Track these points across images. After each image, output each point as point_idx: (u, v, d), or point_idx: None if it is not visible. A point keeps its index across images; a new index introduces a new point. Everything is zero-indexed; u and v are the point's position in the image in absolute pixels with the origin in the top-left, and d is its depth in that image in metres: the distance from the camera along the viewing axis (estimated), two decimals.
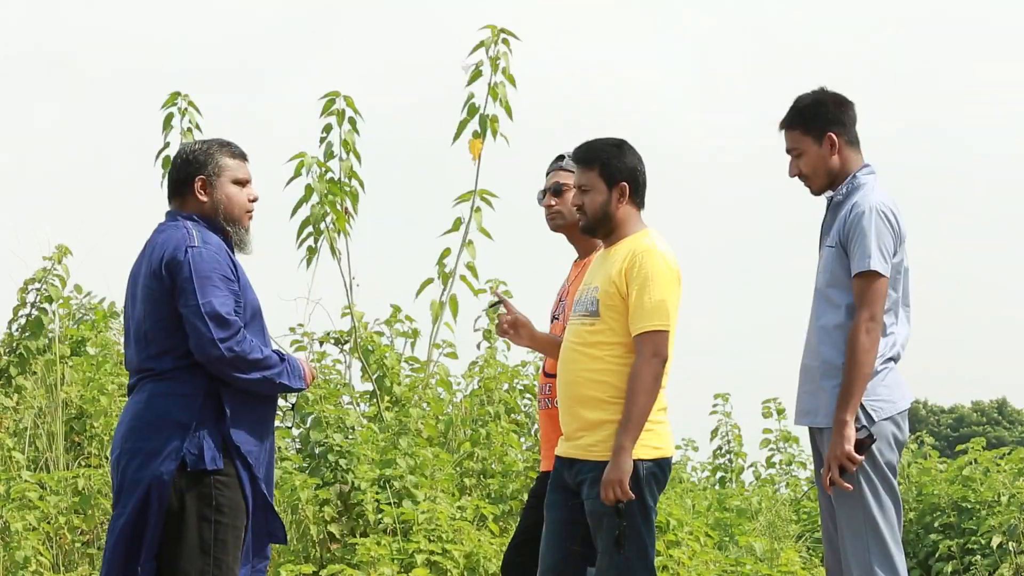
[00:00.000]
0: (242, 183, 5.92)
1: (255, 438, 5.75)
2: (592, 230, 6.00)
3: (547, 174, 6.61)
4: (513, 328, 6.24)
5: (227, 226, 5.87)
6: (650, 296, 5.75)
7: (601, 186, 5.93)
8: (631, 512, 5.72)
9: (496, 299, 6.33)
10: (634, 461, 5.70)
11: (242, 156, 5.95)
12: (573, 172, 6.36)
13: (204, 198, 5.86)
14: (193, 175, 5.86)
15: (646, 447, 5.75)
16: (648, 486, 5.77)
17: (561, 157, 6.58)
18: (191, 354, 5.67)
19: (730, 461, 15.18)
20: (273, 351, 5.79)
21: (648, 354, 5.72)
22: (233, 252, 5.88)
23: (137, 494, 5.65)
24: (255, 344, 5.70)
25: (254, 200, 5.96)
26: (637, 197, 5.97)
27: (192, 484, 5.64)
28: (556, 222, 6.54)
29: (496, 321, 6.34)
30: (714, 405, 15.33)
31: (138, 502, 5.65)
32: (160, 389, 5.70)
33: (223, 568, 5.65)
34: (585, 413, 5.82)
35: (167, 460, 5.62)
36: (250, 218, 5.95)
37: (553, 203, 6.51)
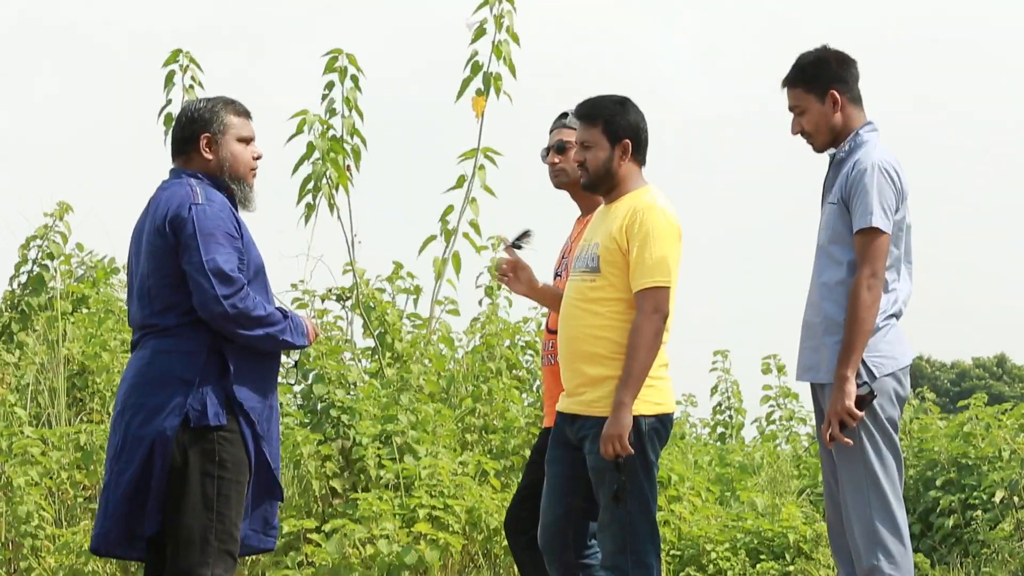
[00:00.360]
0: (247, 141, 5.91)
1: (258, 395, 5.76)
2: (594, 187, 6.00)
3: (551, 131, 6.62)
4: (512, 273, 6.24)
5: (231, 184, 5.87)
6: (651, 252, 5.76)
7: (604, 143, 5.93)
8: (632, 467, 5.74)
9: (518, 237, 6.30)
10: (636, 417, 5.73)
11: (246, 114, 5.95)
12: (576, 129, 6.38)
13: (209, 156, 5.86)
14: (198, 133, 5.86)
15: (648, 403, 5.77)
16: (650, 441, 5.80)
17: (564, 115, 6.58)
18: (194, 311, 5.67)
19: (730, 417, 15.20)
20: (276, 308, 5.79)
21: (649, 310, 5.73)
22: (237, 210, 5.89)
23: (141, 450, 5.66)
24: (258, 301, 5.70)
25: (258, 158, 5.96)
26: (639, 155, 5.98)
27: (195, 440, 5.65)
28: (560, 179, 6.55)
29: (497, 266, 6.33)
30: (713, 362, 15.34)
31: (141, 458, 5.66)
32: (163, 346, 5.71)
33: (226, 523, 5.66)
34: (586, 369, 5.84)
35: (170, 416, 5.63)
36: (254, 176, 5.95)
37: (557, 160, 6.52)
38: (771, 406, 14.69)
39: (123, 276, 13.96)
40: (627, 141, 5.93)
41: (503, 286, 13.10)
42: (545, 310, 6.67)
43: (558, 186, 6.58)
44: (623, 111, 5.96)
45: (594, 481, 5.84)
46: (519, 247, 6.32)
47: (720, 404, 15.33)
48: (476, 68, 12.42)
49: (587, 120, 5.97)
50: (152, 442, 5.64)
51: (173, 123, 6.01)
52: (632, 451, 5.70)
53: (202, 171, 5.85)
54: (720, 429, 15.18)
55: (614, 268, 5.83)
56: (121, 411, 5.75)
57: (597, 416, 5.79)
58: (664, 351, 5.85)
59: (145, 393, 5.69)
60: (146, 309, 5.78)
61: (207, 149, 5.86)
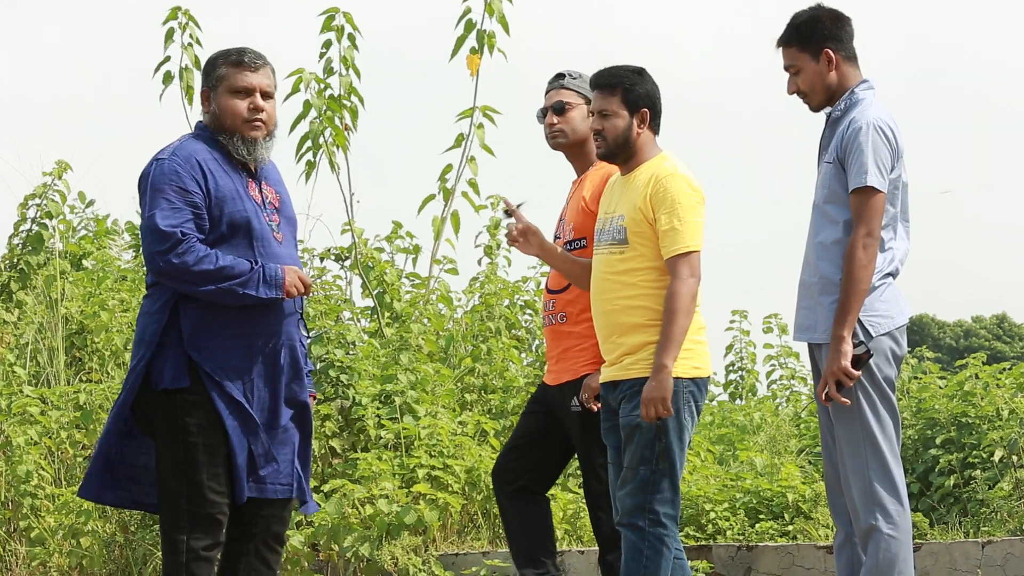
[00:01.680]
0: (241, 92, 5.77)
1: (230, 356, 5.62)
2: (611, 156, 6.06)
3: (546, 92, 6.59)
4: (523, 236, 6.24)
5: (220, 137, 5.77)
6: (679, 219, 5.84)
7: (623, 112, 5.99)
8: (666, 429, 5.82)
9: (511, 207, 6.30)
10: (675, 379, 5.79)
11: (246, 64, 5.79)
12: (575, 91, 6.43)
13: (206, 110, 5.83)
14: (201, 87, 5.85)
15: (685, 366, 5.85)
16: (686, 404, 5.86)
17: (561, 75, 6.56)
18: None
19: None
20: (246, 260, 5.63)
21: (685, 275, 5.81)
22: (246, 165, 5.79)
23: (113, 412, 5.68)
24: (207, 256, 5.55)
25: (255, 110, 5.78)
26: (655, 123, 6.05)
27: (159, 404, 5.59)
28: (558, 140, 6.53)
29: (506, 230, 6.33)
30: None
31: (112, 421, 5.66)
32: (144, 307, 5.69)
33: (197, 486, 5.57)
34: (625, 340, 5.91)
35: (136, 379, 5.60)
36: (252, 128, 5.77)
37: (555, 121, 6.50)
38: (772, 365, 14.69)
39: (121, 238, 13.97)
40: (645, 110, 5.99)
41: (504, 246, 13.11)
42: (546, 269, 6.66)
43: (555, 147, 6.56)
44: (641, 80, 6.02)
45: (624, 437, 5.90)
46: (513, 210, 6.30)
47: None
48: (469, 26, 12.37)
49: (606, 89, 6.01)
50: (122, 404, 5.64)
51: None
52: (673, 413, 5.77)
53: (207, 124, 5.81)
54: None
55: (642, 238, 5.90)
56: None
57: (634, 377, 5.86)
58: (699, 315, 5.92)
59: (132, 355, 5.69)
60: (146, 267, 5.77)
61: (205, 103, 5.83)
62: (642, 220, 5.88)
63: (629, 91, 5.98)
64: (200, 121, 5.88)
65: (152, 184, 5.59)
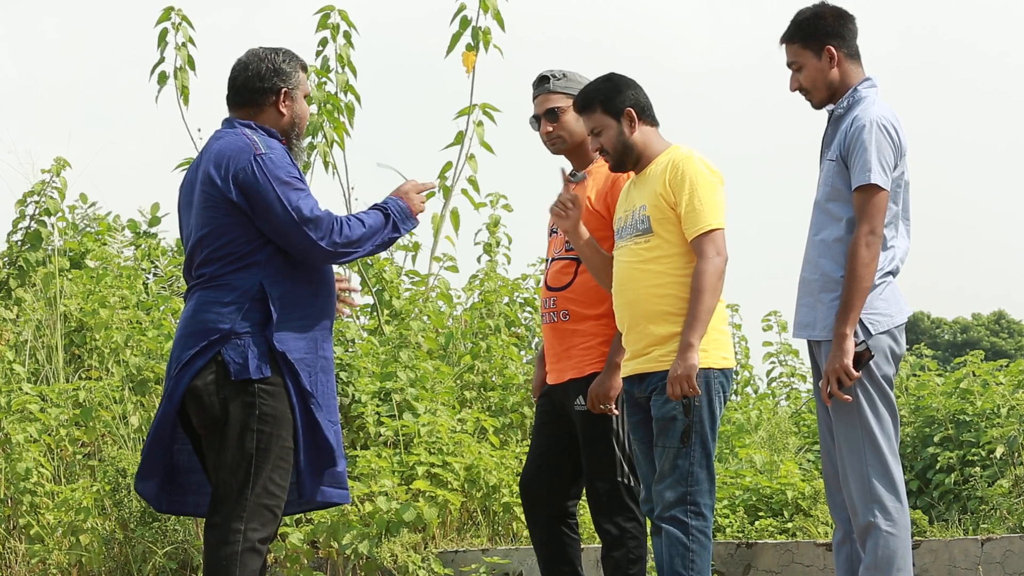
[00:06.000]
0: (307, 98, 5.92)
1: (307, 344, 5.66)
2: (622, 165, 6.10)
3: (535, 99, 6.53)
4: (573, 204, 6.18)
5: (294, 140, 5.82)
6: (699, 199, 5.87)
7: (609, 121, 6.04)
8: (699, 419, 5.87)
9: (568, 176, 6.31)
10: (706, 370, 5.85)
11: (306, 72, 5.94)
12: (563, 92, 6.41)
13: (284, 111, 5.80)
14: (279, 87, 5.79)
15: (716, 356, 5.90)
16: (717, 395, 5.91)
17: (545, 79, 6.49)
18: (241, 259, 5.60)
19: (735, 373, 15.18)
20: (373, 210, 5.78)
21: (711, 253, 5.84)
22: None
23: (174, 403, 5.61)
24: (351, 222, 5.68)
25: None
26: (647, 117, 6.08)
27: (236, 393, 5.56)
28: (557, 146, 6.51)
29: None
30: None
31: (167, 411, 5.61)
32: (207, 296, 5.63)
33: (263, 477, 5.56)
34: (654, 329, 5.91)
35: (206, 370, 5.56)
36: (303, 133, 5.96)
37: (551, 128, 6.46)
38: (772, 363, 14.68)
39: (122, 235, 13.96)
40: (629, 109, 6.03)
41: (503, 243, 13.13)
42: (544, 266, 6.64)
43: (556, 152, 6.53)
44: (612, 86, 6.06)
45: (657, 431, 5.92)
46: (576, 178, 6.32)
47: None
48: (464, 23, 12.37)
49: (586, 110, 6.07)
50: (183, 396, 5.59)
51: (238, 71, 5.82)
52: (699, 392, 5.80)
53: (272, 126, 5.78)
54: None
55: (667, 224, 5.93)
56: (168, 364, 5.69)
57: (665, 370, 5.88)
58: (723, 303, 5.96)
59: (184, 346, 5.62)
60: (196, 259, 5.70)
61: (284, 104, 5.79)
62: (664, 206, 5.92)
63: (606, 101, 6.04)
64: (252, 122, 5.77)
65: (273, 177, 5.59)
